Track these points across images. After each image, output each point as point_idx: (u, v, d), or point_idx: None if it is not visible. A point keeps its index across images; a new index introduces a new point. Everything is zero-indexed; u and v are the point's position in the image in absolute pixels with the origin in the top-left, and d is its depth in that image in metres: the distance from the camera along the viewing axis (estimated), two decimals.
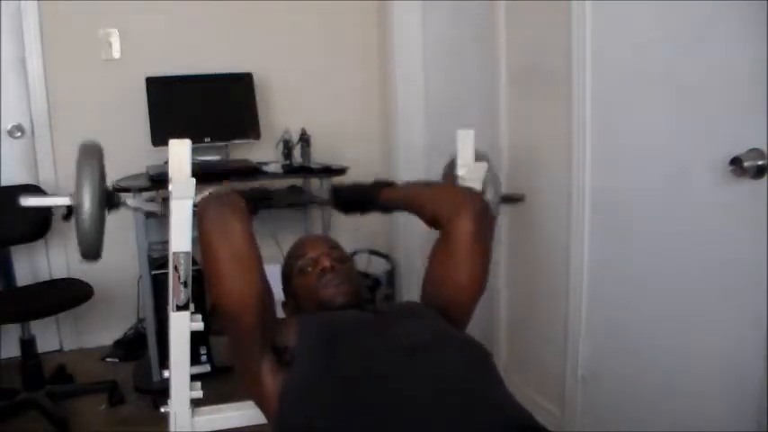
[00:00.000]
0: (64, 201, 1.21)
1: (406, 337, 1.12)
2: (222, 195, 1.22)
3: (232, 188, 1.33)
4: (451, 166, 1.56)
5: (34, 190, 2.64)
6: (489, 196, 1.49)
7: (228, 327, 1.18)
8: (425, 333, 1.15)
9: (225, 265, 1.13)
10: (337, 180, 1.54)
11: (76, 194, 1.17)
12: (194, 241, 1.21)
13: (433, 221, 1.35)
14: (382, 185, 1.49)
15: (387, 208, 1.50)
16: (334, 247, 1.41)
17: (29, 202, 1.25)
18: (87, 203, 1.16)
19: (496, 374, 1.11)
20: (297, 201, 2.81)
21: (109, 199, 1.23)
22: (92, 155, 1.21)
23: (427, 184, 1.51)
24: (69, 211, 1.22)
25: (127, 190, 2.40)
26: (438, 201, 1.35)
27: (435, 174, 1.66)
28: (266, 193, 1.58)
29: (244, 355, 1.18)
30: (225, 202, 1.20)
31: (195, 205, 1.20)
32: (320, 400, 1.02)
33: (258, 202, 1.41)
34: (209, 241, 1.14)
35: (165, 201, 1.23)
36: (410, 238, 2.99)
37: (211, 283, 1.16)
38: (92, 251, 1.20)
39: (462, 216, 1.27)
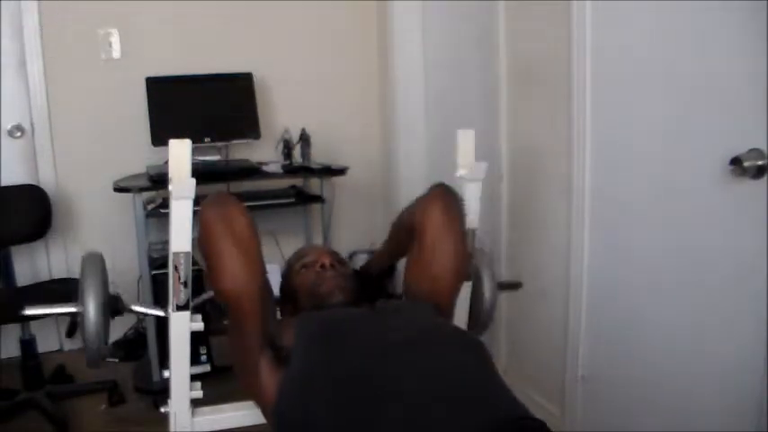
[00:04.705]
0: (69, 309, 1.23)
1: (402, 331, 1.13)
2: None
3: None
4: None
5: (34, 190, 2.64)
6: (486, 283, 1.50)
7: (229, 312, 1.19)
8: (421, 327, 1.16)
9: (226, 247, 1.15)
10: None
11: (81, 303, 1.20)
12: (194, 242, 1.21)
13: (411, 236, 1.33)
14: (365, 268, 1.60)
15: (383, 272, 1.58)
16: (334, 252, 1.49)
17: (32, 311, 1.28)
18: (92, 312, 1.18)
19: (492, 366, 1.12)
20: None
21: (112, 306, 1.25)
22: (95, 264, 1.24)
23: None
24: (73, 326, 1.22)
25: (127, 190, 2.41)
26: (403, 222, 1.39)
27: (437, 175, 1.66)
28: None
29: (243, 347, 1.19)
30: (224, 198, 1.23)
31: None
32: (317, 395, 1.03)
33: None
34: (210, 224, 1.16)
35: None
36: None
37: (211, 266, 1.17)
38: (95, 357, 1.21)
39: (427, 213, 1.28)
